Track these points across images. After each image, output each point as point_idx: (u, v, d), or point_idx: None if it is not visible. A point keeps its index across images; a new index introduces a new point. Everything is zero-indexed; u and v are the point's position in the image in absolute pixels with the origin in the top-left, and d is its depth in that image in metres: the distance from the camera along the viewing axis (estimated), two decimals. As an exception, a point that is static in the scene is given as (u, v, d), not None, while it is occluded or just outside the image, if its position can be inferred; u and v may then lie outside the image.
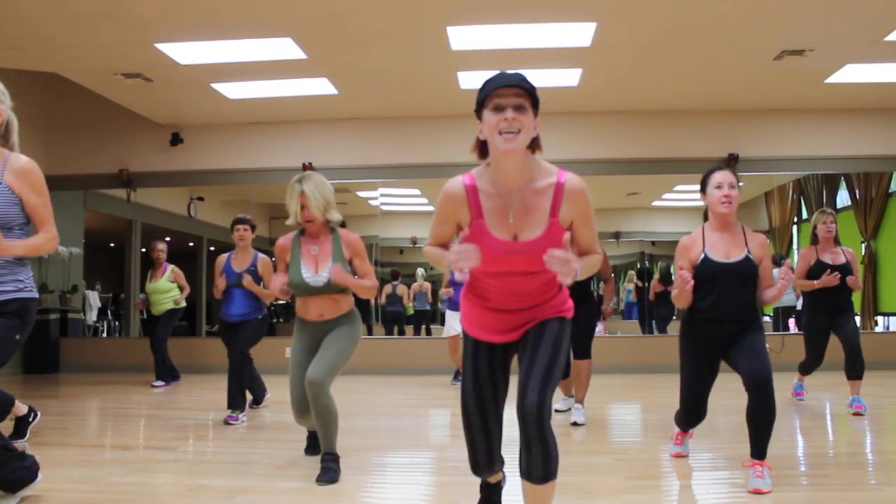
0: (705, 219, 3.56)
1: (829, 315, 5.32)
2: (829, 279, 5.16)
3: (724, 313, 3.36)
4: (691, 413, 3.66)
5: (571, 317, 2.40)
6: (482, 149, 2.22)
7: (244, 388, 5.31)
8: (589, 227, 2.29)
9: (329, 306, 3.66)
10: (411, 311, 10.47)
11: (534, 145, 2.19)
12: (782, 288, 3.22)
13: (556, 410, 5.28)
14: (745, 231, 3.45)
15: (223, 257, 5.55)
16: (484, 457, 2.36)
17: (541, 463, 2.15)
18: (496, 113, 2.11)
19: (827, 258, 5.29)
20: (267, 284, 5.32)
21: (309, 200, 3.57)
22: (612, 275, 5.46)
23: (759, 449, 3.24)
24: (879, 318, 10.11)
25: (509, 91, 2.11)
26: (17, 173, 2.63)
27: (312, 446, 4.04)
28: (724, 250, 3.39)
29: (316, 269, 3.62)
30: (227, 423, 5.12)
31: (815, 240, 5.41)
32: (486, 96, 2.14)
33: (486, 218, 2.21)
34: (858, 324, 9.78)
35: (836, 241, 5.38)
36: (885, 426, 5.08)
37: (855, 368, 5.23)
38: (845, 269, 5.26)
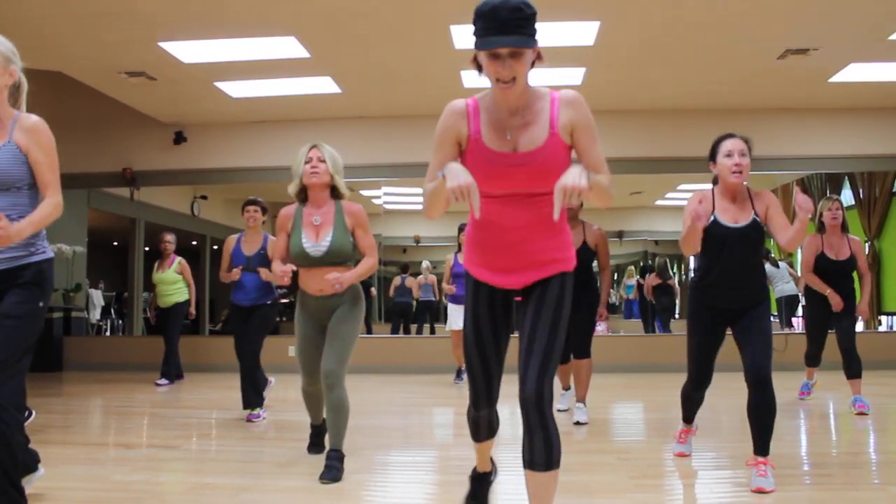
0: (714, 182, 3.49)
1: (829, 306, 5.25)
2: (835, 302, 5.16)
3: (733, 278, 3.35)
4: (699, 375, 3.62)
5: (573, 268, 2.34)
6: (479, 65, 2.16)
7: (258, 387, 5.29)
8: (593, 140, 2.23)
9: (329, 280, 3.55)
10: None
11: (534, 64, 2.14)
12: (803, 220, 3.04)
13: (558, 410, 5.27)
14: (750, 194, 3.40)
15: (233, 238, 5.45)
16: (483, 389, 2.38)
17: (543, 451, 2.15)
18: (492, 60, 2.07)
19: (831, 252, 5.21)
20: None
21: (322, 153, 3.58)
22: (610, 264, 5.23)
23: (762, 444, 3.23)
24: (883, 318, 10.10)
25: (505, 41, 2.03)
26: (26, 130, 2.58)
27: (316, 444, 4.02)
28: (733, 215, 3.36)
29: (317, 239, 3.57)
30: (249, 421, 5.12)
31: (821, 227, 5.31)
32: (480, 45, 2.08)
33: (484, 133, 2.20)
34: (862, 324, 9.82)
35: (844, 229, 5.27)
36: (888, 426, 5.07)
37: (852, 368, 5.20)
38: (849, 265, 5.22)
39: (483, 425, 2.52)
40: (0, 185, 2.52)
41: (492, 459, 2.76)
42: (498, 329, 2.35)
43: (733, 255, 3.33)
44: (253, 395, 5.22)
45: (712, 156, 3.42)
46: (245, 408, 5.24)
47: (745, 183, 3.38)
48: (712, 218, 3.36)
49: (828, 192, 10.48)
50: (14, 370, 2.53)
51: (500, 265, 2.30)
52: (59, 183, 2.66)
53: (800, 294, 8.62)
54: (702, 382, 3.66)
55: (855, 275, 5.31)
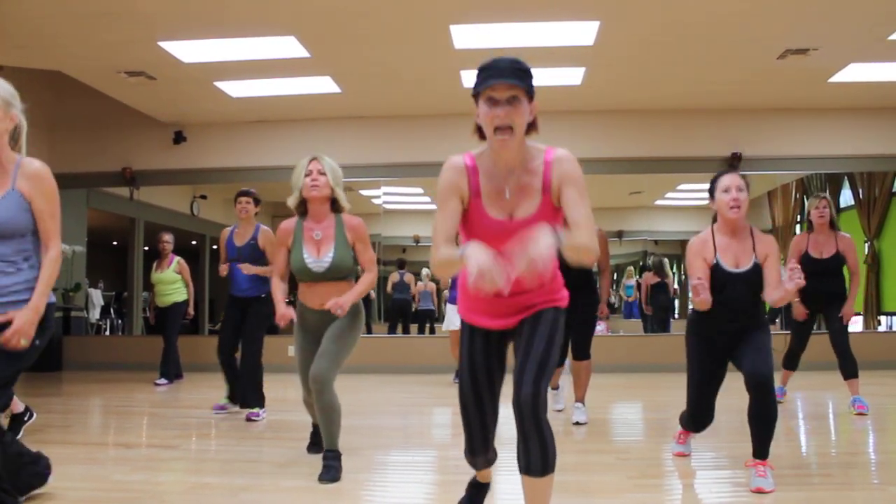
0: (714, 220, 3.52)
1: (817, 303, 5.23)
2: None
3: (732, 314, 3.38)
4: (700, 414, 3.61)
5: (566, 306, 2.39)
6: (481, 131, 2.23)
7: (259, 386, 5.30)
8: (580, 195, 2.20)
9: (330, 294, 3.53)
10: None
11: (530, 129, 2.22)
12: (791, 292, 3.19)
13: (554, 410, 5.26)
14: (753, 235, 3.42)
15: (226, 231, 5.47)
16: (479, 438, 2.40)
17: (539, 456, 2.16)
18: (490, 107, 2.13)
19: (815, 252, 5.19)
20: (268, 257, 5.21)
21: (322, 165, 3.57)
22: (609, 265, 5.21)
23: (761, 448, 3.23)
24: (882, 318, 10.10)
25: (502, 85, 2.12)
26: (29, 177, 2.59)
27: (316, 444, 4.01)
28: (734, 258, 3.38)
29: (318, 254, 3.56)
30: (249, 420, 5.13)
31: (810, 226, 5.30)
32: (480, 89, 2.16)
33: (483, 198, 2.24)
34: (861, 323, 9.82)
35: (833, 227, 5.24)
36: (888, 426, 5.07)
37: (847, 368, 5.17)
38: (834, 263, 5.18)
39: (480, 464, 2.55)
40: (5, 234, 2.55)
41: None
42: (492, 370, 2.38)
43: (733, 295, 3.36)
44: (253, 393, 5.23)
45: (711, 193, 3.45)
46: (243, 406, 5.27)
47: (747, 223, 3.43)
48: (715, 261, 3.39)
49: (827, 192, 10.46)
50: (3, 391, 2.62)
51: (495, 313, 2.34)
52: (59, 230, 2.69)
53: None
54: (699, 425, 3.67)
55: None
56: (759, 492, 3.12)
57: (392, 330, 10.25)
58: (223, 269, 5.40)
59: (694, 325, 3.55)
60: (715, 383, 3.55)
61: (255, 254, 5.25)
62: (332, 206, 3.66)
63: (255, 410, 5.20)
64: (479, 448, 2.42)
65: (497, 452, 2.58)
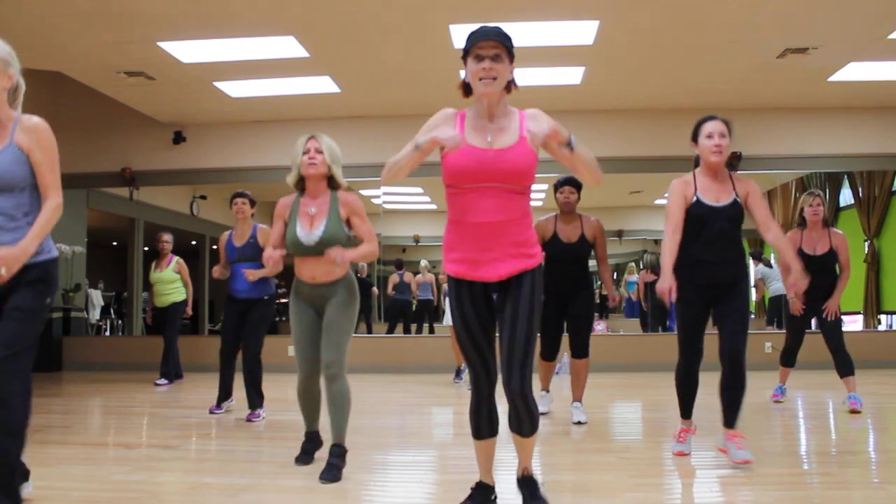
0: (695, 165, 3.72)
1: (811, 298, 5.23)
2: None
3: (714, 251, 3.56)
4: (690, 348, 3.71)
5: (539, 262, 2.65)
6: (466, 88, 2.62)
7: (258, 387, 5.30)
8: (548, 124, 2.53)
9: (321, 267, 3.56)
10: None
11: (508, 87, 2.60)
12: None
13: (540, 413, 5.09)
14: (732, 177, 3.65)
15: (225, 235, 5.51)
16: (482, 372, 2.67)
17: (528, 422, 2.60)
18: (477, 62, 2.52)
19: (808, 248, 5.24)
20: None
21: (319, 144, 3.59)
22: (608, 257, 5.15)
23: (731, 417, 3.51)
24: (882, 317, 10.10)
25: (488, 43, 2.51)
26: (27, 131, 2.62)
27: (307, 453, 3.84)
28: (715, 194, 3.59)
29: (311, 228, 3.58)
30: (248, 420, 5.15)
31: (802, 223, 5.34)
32: (469, 47, 2.54)
33: (467, 132, 2.59)
34: (861, 323, 9.82)
35: (826, 224, 5.29)
36: (888, 424, 5.07)
37: (843, 366, 5.18)
38: (828, 259, 5.21)
39: (484, 414, 2.71)
40: (3, 187, 2.55)
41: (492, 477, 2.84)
42: (484, 321, 2.66)
43: (713, 229, 3.54)
44: (255, 395, 5.24)
45: (694, 137, 3.67)
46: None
47: (728, 172, 3.66)
48: (695, 198, 3.59)
49: (827, 191, 10.47)
50: (24, 362, 2.62)
51: (475, 257, 2.59)
52: (59, 183, 2.71)
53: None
54: (694, 356, 3.72)
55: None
56: (746, 463, 3.36)
57: (391, 330, 10.24)
58: (217, 271, 5.43)
59: (680, 271, 3.57)
60: (701, 322, 3.69)
61: (256, 251, 5.29)
62: (330, 183, 3.68)
63: (256, 411, 5.21)
64: (484, 383, 2.67)
65: (499, 420, 2.74)
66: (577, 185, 4.92)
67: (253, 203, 5.48)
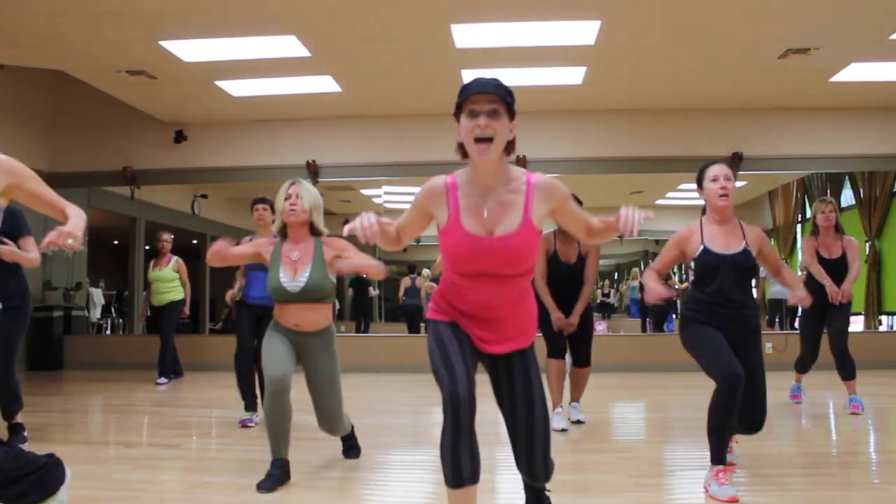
0: (703, 213, 3.56)
1: (822, 304, 5.22)
2: (832, 291, 5.17)
3: (728, 298, 3.34)
4: (729, 369, 3.15)
5: (534, 339, 2.44)
6: (463, 149, 2.25)
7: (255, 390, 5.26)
8: (574, 207, 2.34)
9: (306, 315, 3.52)
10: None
11: (508, 149, 2.25)
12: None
13: (556, 430, 4.72)
14: (741, 225, 3.46)
15: (244, 241, 5.43)
16: (466, 393, 2.18)
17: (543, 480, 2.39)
18: (471, 119, 2.17)
19: (825, 252, 5.27)
20: None
21: (300, 190, 3.56)
22: (596, 277, 5.13)
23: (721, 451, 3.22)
24: (883, 318, 10.10)
25: (484, 98, 2.16)
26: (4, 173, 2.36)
27: (275, 476, 3.39)
28: (723, 242, 3.39)
29: (294, 275, 3.53)
30: (244, 426, 5.02)
31: (815, 230, 5.36)
32: (462, 101, 2.19)
33: (462, 214, 2.26)
34: (862, 323, 9.82)
35: (838, 230, 5.31)
36: (888, 425, 5.07)
37: (844, 369, 5.19)
38: (842, 263, 5.23)
39: (465, 449, 2.15)
40: None
41: None
42: (461, 341, 2.33)
43: (726, 278, 3.34)
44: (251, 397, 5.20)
45: (699, 182, 3.47)
46: (250, 410, 5.13)
47: (735, 215, 3.46)
48: (702, 247, 3.39)
49: (828, 191, 10.47)
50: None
51: (476, 333, 2.34)
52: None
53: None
54: (737, 376, 3.13)
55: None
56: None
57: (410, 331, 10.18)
58: (231, 296, 5.37)
59: (691, 312, 3.44)
60: (725, 345, 3.29)
61: None
62: (311, 230, 3.65)
63: (248, 416, 5.10)
64: (466, 404, 2.15)
65: (480, 463, 2.22)
66: None
67: (273, 210, 5.40)
